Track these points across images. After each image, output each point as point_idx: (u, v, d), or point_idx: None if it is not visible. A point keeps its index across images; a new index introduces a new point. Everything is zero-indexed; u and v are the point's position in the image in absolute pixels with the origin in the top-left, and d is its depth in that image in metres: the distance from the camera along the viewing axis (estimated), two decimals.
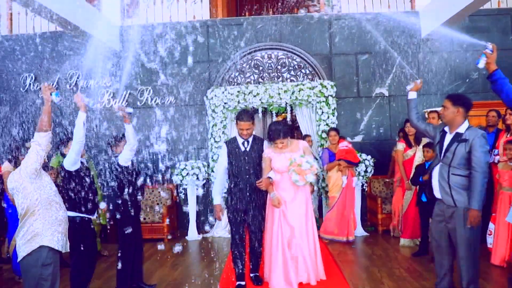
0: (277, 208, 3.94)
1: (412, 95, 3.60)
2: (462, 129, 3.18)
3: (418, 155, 5.34)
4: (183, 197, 6.75)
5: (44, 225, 2.83)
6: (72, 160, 3.59)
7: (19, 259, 2.84)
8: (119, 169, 3.91)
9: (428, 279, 4.13)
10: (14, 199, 2.94)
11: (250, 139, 4.07)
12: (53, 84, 6.90)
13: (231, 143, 4.11)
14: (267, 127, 7.06)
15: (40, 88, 7.24)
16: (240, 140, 4.07)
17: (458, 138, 3.15)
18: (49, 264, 2.80)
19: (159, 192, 6.81)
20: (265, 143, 4.13)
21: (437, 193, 3.28)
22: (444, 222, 3.23)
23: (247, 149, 4.04)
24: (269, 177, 3.92)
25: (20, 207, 2.85)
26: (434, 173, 3.29)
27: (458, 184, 3.12)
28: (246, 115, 3.98)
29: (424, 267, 4.56)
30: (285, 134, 3.92)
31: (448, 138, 3.24)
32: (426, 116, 6.22)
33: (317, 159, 6.22)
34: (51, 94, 2.99)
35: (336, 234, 5.86)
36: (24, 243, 2.81)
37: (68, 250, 3.06)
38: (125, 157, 3.96)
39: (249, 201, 4.00)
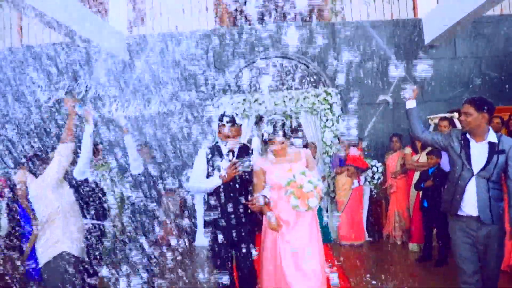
0: (274, 233, 3.13)
1: (412, 103, 3.20)
2: (493, 137, 2.88)
3: (422, 161, 5.40)
4: (191, 204, 6.85)
5: (64, 232, 2.95)
6: (80, 170, 3.71)
7: (40, 265, 2.95)
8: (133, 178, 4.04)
9: (432, 284, 4.17)
10: (35, 207, 3.05)
11: (237, 149, 3.26)
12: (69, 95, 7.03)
13: (212, 152, 3.25)
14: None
15: (49, 98, 7.40)
16: (224, 150, 3.25)
17: (495, 149, 2.84)
18: (69, 270, 2.90)
19: (167, 199, 6.90)
20: (256, 153, 3.40)
21: (471, 210, 2.89)
22: (474, 240, 2.90)
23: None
24: (264, 196, 3.12)
25: (41, 214, 2.97)
26: (469, 188, 2.88)
27: (497, 199, 2.87)
28: (231, 117, 3.17)
29: (428, 272, 4.61)
30: (286, 133, 3.16)
31: (477, 147, 2.89)
32: (430, 122, 6.28)
33: (329, 166, 6.37)
34: (74, 107, 3.12)
35: (353, 239, 6.07)
36: (45, 250, 2.93)
37: (85, 256, 3.16)
38: (133, 165, 4.11)
39: (235, 228, 3.13)
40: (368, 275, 4.62)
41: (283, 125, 3.15)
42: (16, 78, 7.43)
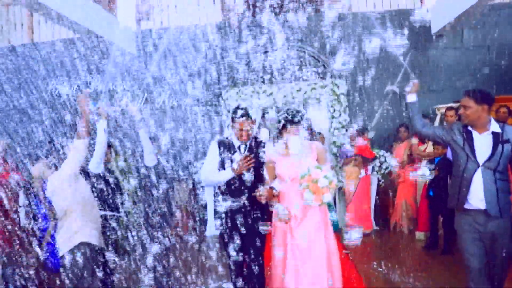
0: (283, 227, 3.08)
1: (412, 97, 3.17)
2: (495, 127, 2.84)
3: (429, 151, 5.46)
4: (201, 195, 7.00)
5: (82, 223, 3.09)
6: (96, 164, 3.85)
7: (60, 255, 3.10)
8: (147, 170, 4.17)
9: (438, 271, 4.28)
10: (53, 200, 3.19)
11: (248, 142, 3.26)
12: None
13: (225, 145, 3.27)
14: None
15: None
16: (236, 143, 3.27)
17: (499, 139, 2.80)
18: (89, 258, 3.05)
19: (177, 190, 7.04)
20: (268, 145, 3.35)
21: (477, 203, 2.83)
22: (481, 234, 2.84)
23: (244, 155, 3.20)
24: (272, 188, 3.08)
25: (59, 207, 3.12)
26: (475, 180, 2.82)
27: (505, 191, 2.81)
28: (245, 110, 3.18)
29: (434, 259, 4.71)
30: (299, 121, 3.08)
31: (480, 138, 2.86)
32: (437, 112, 6.31)
33: (336, 156, 6.47)
34: (87, 104, 3.24)
35: (361, 227, 6.15)
36: (64, 240, 3.08)
37: (103, 246, 3.30)
38: (148, 158, 4.21)
39: (246, 223, 3.14)
40: (375, 263, 4.73)
41: (298, 115, 3.08)
42: (28, 75, 7.59)
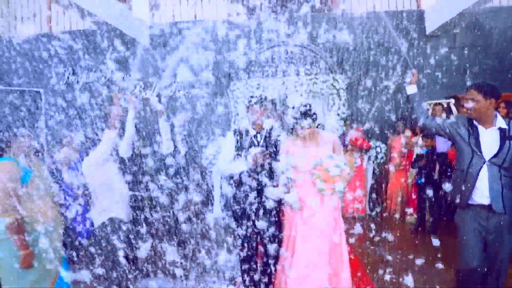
0: (295, 216, 3.05)
1: (413, 88, 3.06)
2: (502, 123, 2.75)
3: (419, 143, 6.00)
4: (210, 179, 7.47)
5: (111, 201, 3.54)
6: (125, 150, 4.31)
7: (94, 228, 3.57)
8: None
9: (425, 250, 4.82)
10: (87, 180, 3.67)
11: (264, 132, 3.27)
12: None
13: (241, 134, 3.26)
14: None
15: (78, 81, 7.98)
16: (252, 132, 3.25)
17: (505, 134, 2.71)
18: (118, 232, 3.52)
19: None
20: (283, 137, 3.34)
21: (482, 199, 2.75)
22: (484, 230, 2.77)
23: (260, 144, 3.21)
24: (289, 178, 3.07)
25: (91, 187, 3.60)
26: (481, 175, 2.73)
27: (509, 187, 2.73)
28: (260, 99, 3.22)
29: (422, 240, 5.25)
30: (310, 117, 3.04)
31: (487, 134, 2.76)
32: (428, 107, 6.82)
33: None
34: (119, 100, 3.72)
35: (356, 211, 6.76)
36: (97, 215, 3.54)
37: (131, 219, 3.78)
38: (166, 145, 4.65)
39: (261, 210, 3.13)
40: (367, 242, 5.26)
41: (309, 110, 3.05)
42: (46, 63, 7.98)
